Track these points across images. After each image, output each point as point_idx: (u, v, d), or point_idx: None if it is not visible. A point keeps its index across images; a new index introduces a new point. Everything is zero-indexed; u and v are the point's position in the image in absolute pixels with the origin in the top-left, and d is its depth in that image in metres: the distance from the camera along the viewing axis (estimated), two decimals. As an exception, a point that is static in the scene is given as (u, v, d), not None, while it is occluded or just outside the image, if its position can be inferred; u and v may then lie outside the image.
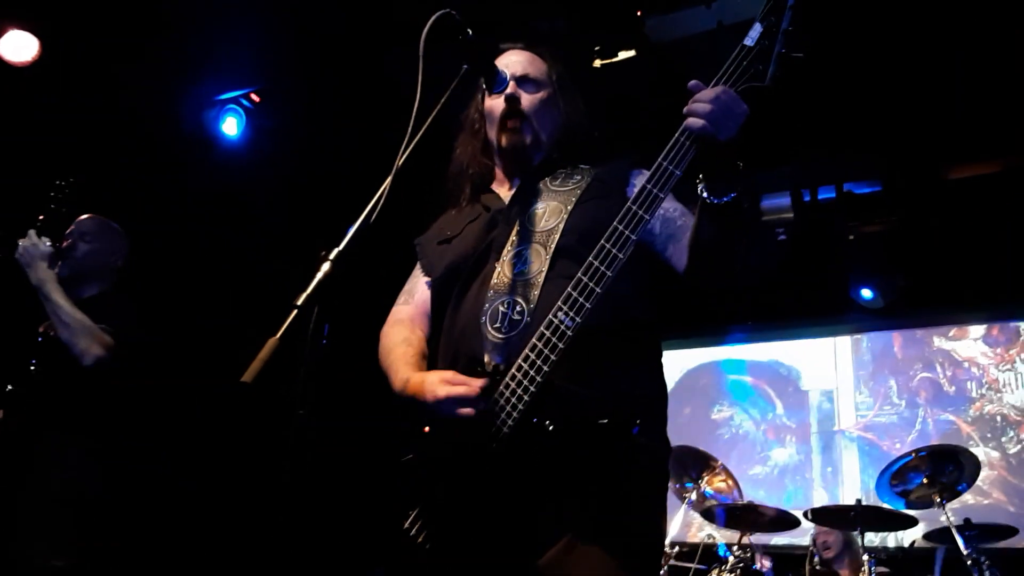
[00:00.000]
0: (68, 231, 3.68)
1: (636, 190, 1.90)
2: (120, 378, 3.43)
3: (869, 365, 6.58)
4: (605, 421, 1.85)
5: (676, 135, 1.87)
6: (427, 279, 2.38)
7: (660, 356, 2.21)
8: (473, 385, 1.94)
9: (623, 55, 4.34)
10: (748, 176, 1.87)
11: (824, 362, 6.73)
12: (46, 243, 3.46)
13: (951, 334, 6.37)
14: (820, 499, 6.32)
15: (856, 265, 6.15)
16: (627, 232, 1.87)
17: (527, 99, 2.32)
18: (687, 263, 2.06)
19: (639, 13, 4.15)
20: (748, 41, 1.85)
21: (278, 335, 1.44)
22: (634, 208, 1.88)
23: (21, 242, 3.44)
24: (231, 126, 5.44)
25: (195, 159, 5.45)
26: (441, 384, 1.99)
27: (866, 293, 6.17)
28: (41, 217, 3.46)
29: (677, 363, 7.11)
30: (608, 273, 1.87)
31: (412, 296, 2.40)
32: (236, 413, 4.83)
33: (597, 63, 4.38)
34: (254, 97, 5.45)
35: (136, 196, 4.96)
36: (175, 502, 5.05)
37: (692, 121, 1.84)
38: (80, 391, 3.39)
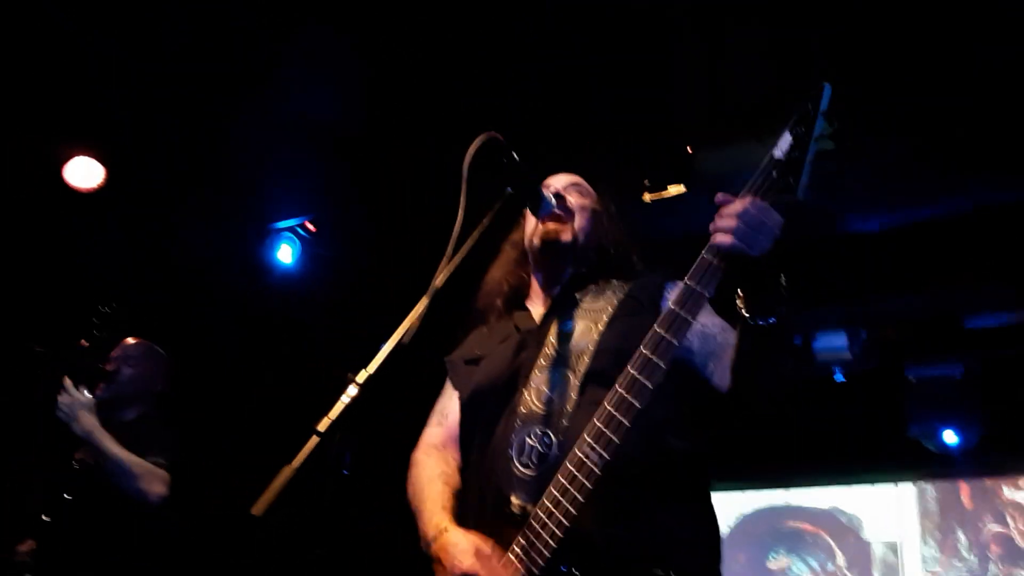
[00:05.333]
0: (113, 355, 3.70)
1: (664, 311, 1.79)
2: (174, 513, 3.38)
3: (935, 516, 6.22)
4: (646, 569, 1.70)
5: (703, 253, 1.74)
6: (459, 397, 2.28)
7: (707, 490, 2.04)
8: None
9: (673, 190, 4.33)
10: (791, 293, 1.73)
11: (887, 511, 6.39)
12: (84, 393, 3.45)
13: (1021, 484, 6.02)
14: (886, 661, 5.89)
15: (921, 409, 5.88)
16: (655, 359, 1.73)
17: (573, 201, 2.27)
18: (730, 384, 1.91)
19: (689, 149, 4.16)
20: (777, 153, 1.75)
21: (294, 464, 1.35)
22: (661, 333, 1.75)
23: (59, 398, 3.42)
24: (286, 254, 5.51)
25: (250, 286, 5.52)
26: (470, 556, 1.83)
27: (949, 437, 5.85)
28: (85, 343, 3.48)
29: (733, 507, 6.81)
30: (637, 405, 1.72)
31: (445, 418, 2.30)
32: (251, 546, 4.68)
33: (647, 197, 4.37)
34: (309, 226, 5.54)
35: (191, 323, 5.01)
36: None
37: (719, 238, 1.71)
38: (116, 525, 3.34)
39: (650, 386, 1.73)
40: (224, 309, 5.50)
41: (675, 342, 1.74)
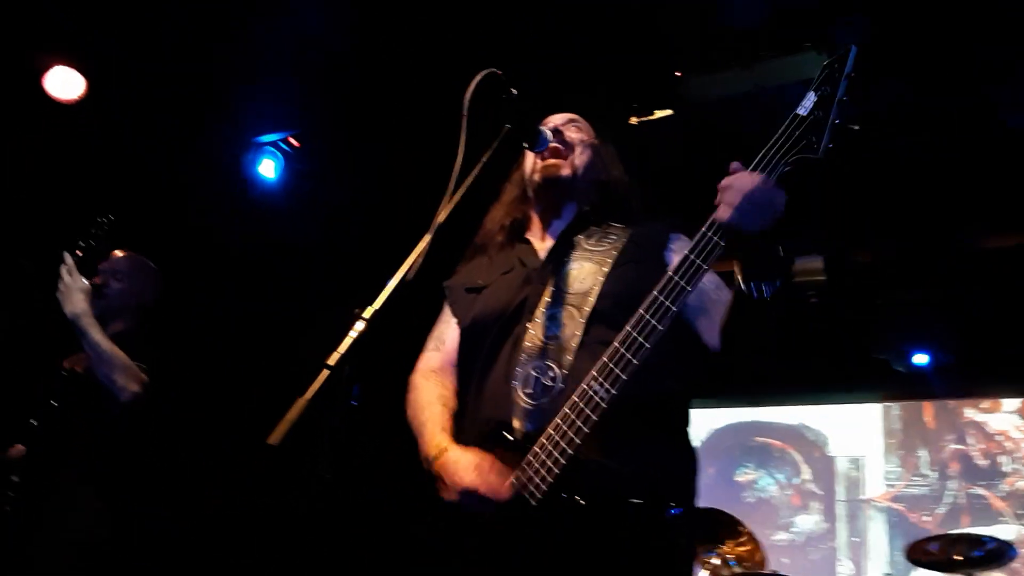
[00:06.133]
0: (101, 267, 3.69)
1: (678, 259, 1.85)
2: (148, 419, 3.41)
3: (899, 434, 6.44)
4: (638, 501, 1.79)
5: (704, 228, 1.81)
6: (457, 324, 2.32)
7: (689, 425, 2.15)
8: (501, 490, 1.87)
9: (660, 114, 4.33)
10: (788, 262, 1.80)
11: (852, 428, 6.60)
12: (83, 280, 3.46)
13: (984, 406, 6.23)
14: (845, 570, 6.16)
15: (890, 330, 6.02)
16: (667, 303, 1.81)
17: (571, 136, 2.30)
18: (719, 343, 1.99)
19: (677, 73, 4.14)
20: (801, 111, 1.78)
21: (307, 395, 1.41)
22: (675, 278, 1.82)
23: (62, 280, 3.45)
24: (269, 169, 5.47)
25: (232, 200, 5.49)
26: (471, 471, 1.92)
27: (918, 358, 6.02)
28: (79, 253, 3.47)
29: (704, 423, 7.00)
30: (646, 345, 1.81)
31: (443, 343, 2.35)
32: (259, 472, 4.77)
33: (633, 120, 4.37)
34: (293, 141, 5.50)
35: (172, 236, 5.00)
36: (186, 554, 4.96)
37: (721, 211, 1.78)
38: (100, 431, 3.38)
39: (661, 328, 1.81)
40: (205, 223, 5.48)
41: (689, 287, 1.81)
